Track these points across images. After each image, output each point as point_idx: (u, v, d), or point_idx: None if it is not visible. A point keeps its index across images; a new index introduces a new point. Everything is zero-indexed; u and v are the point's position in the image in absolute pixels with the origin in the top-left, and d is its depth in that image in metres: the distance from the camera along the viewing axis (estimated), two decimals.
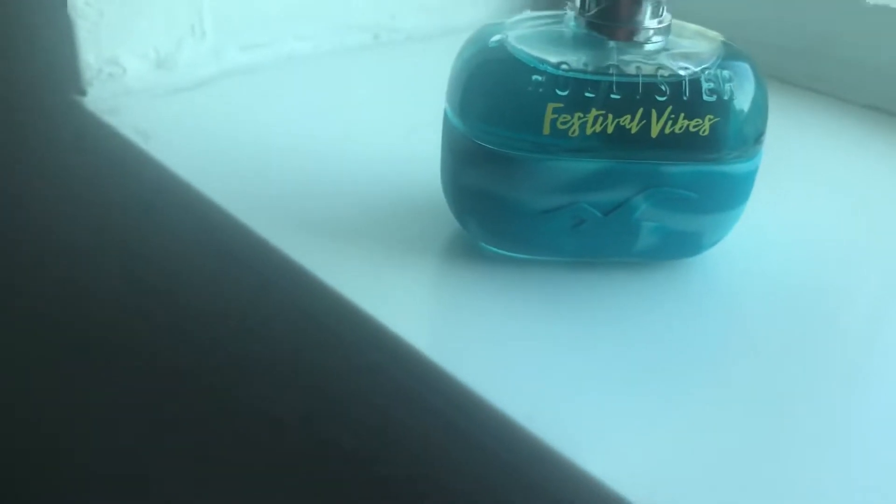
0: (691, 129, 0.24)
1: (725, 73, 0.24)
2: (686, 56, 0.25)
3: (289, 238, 0.27)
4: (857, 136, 0.39)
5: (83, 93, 0.35)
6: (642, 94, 0.23)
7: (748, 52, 0.26)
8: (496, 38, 0.25)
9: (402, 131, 0.34)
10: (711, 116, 0.24)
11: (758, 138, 0.25)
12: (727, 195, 0.25)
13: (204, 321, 0.33)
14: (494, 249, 0.27)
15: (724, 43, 0.26)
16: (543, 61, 0.24)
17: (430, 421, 0.24)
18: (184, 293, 0.34)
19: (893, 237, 0.31)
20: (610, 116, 0.23)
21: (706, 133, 0.24)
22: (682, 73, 0.24)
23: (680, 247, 0.26)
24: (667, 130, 0.24)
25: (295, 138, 0.34)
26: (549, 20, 0.26)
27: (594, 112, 0.23)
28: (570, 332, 0.24)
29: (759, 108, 0.25)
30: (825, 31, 0.43)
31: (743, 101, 0.24)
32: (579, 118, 0.23)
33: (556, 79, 0.24)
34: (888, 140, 0.39)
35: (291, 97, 0.38)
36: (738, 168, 0.25)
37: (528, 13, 0.26)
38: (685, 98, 0.24)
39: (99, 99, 0.35)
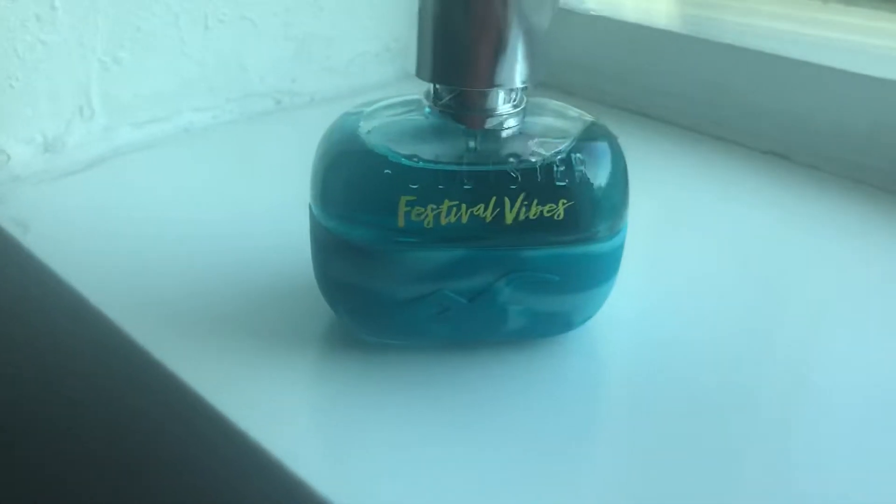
0: (545, 214, 0.24)
1: (578, 156, 0.24)
2: (542, 140, 0.25)
3: (163, 340, 0.26)
4: (756, 182, 0.40)
5: None
6: (494, 183, 0.23)
7: (609, 131, 0.26)
8: (352, 129, 0.25)
9: (301, 205, 0.33)
10: (565, 201, 0.24)
11: (618, 216, 0.25)
12: (591, 274, 0.25)
13: (77, 418, 0.33)
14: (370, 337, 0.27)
15: (585, 122, 0.26)
16: (396, 153, 0.24)
17: None
18: (59, 391, 0.33)
19: (778, 286, 0.31)
20: (463, 206, 0.23)
21: (561, 217, 0.24)
22: (533, 159, 0.24)
23: (551, 325, 0.26)
24: (521, 217, 0.24)
25: (183, 220, 0.33)
26: (407, 107, 0.26)
27: (447, 203, 0.23)
28: (441, 424, 0.24)
29: (617, 187, 0.25)
30: (724, 80, 0.43)
31: (598, 182, 0.24)
32: (433, 209, 0.23)
33: (408, 171, 0.23)
34: (784, 186, 0.39)
35: (187, 173, 0.38)
36: (600, 247, 0.25)
37: (388, 100, 0.26)
38: (537, 184, 0.24)
39: None
